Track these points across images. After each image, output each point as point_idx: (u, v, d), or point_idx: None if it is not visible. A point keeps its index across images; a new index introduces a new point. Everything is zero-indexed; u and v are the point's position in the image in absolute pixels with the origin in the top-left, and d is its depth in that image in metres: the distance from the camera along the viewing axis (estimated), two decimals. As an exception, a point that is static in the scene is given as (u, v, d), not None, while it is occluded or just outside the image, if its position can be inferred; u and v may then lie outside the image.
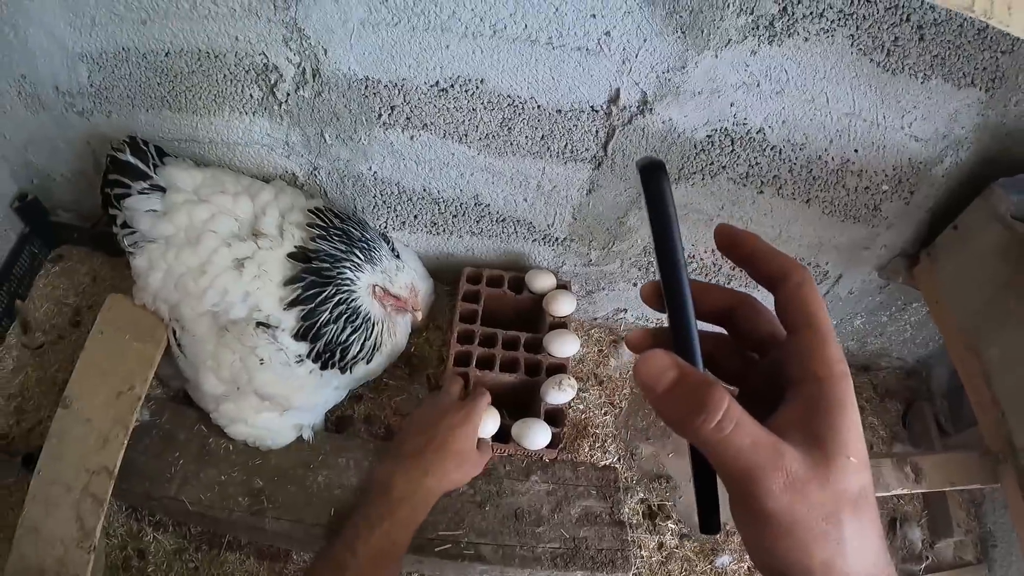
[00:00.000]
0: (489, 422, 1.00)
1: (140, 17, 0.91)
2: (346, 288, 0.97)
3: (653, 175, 0.35)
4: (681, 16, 0.80)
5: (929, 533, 1.25)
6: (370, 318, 1.01)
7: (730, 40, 0.83)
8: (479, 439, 0.97)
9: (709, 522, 0.36)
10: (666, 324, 0.36)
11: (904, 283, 1.13)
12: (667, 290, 0.34)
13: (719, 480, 0.34)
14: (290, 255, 0.98)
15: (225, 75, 0.97)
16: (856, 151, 0.96)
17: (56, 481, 0.95)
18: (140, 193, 0.99)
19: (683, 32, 0.82)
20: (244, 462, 1.01)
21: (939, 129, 0.92)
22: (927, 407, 1.31)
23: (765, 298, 0.40)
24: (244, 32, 0.91)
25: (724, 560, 1.14)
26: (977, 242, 0.99)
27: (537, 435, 1.01)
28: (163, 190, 1.00)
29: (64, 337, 1.18)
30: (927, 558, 1.22)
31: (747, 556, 1.16)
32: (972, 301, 1.00)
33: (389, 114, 0.98)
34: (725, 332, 0.40)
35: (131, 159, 0.99)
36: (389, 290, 1.00)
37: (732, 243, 0.38)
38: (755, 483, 0.30)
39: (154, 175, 1.00)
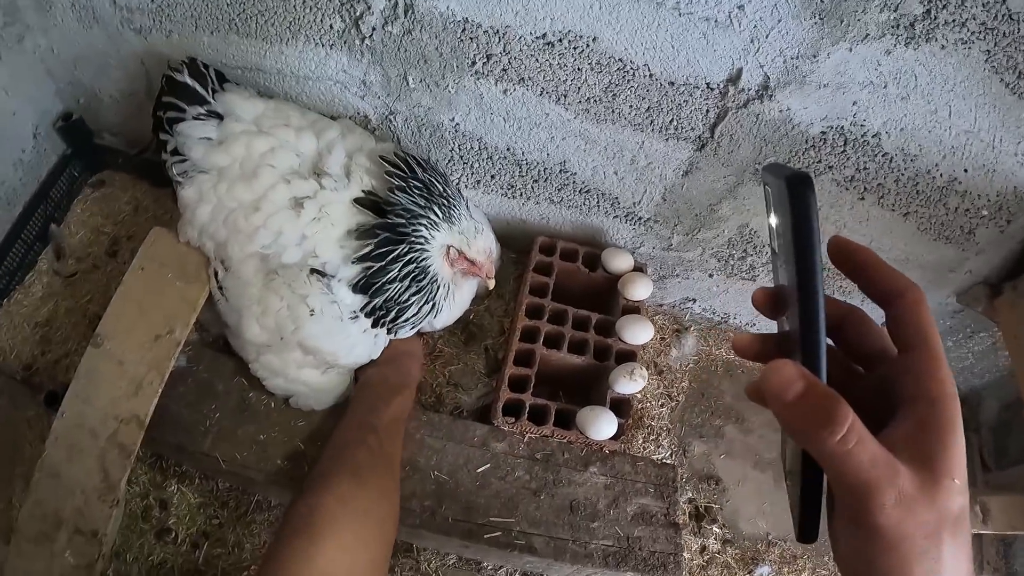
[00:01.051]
0: (605, 426, 0.94)
1: (221, -80, 0.77)
2: (419, 247, 0.83)
3: (801, 189, 0.33)
4: (823, 1, 0.69)
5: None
6: (436, 280, 0.87)
7: (868, 35, 0.71)
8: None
9: (809, 530, 0.34)
10: (772, 330, 0.37)
11: (983, 312, 1.02)
12: (803, 305, 0.32)
13: (827, 492, 0.33)
14: (356, 200, 0.83)
15: (305, 0, 0.82)
16: (966, 171, 0.86)
17: (81, 425, 0.81)
18: (195, 119, 0.84)
19: (821, 18, 0.71)
20: (286, 422, 0.88)
21: None
22: (973, 438, 1.21)
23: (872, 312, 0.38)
24: None
25: (763, 571, 1.04)
26: (1068, 279, 0.89)
27: (603, 425, 0.89)
28: (220, 117, 0.85)
29: (99, 267, 1.03)
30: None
31: (784, 569, 1.06)
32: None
33: (484, 63, 0.84)
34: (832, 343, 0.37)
35: (189, 81, 0.84)
36: (465, 253, 0.86)
37: (847, 255, 0.36)
38: (870, 498, 0.30)
39: (212, 101, 0.85)
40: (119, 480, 0.79)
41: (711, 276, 1.08)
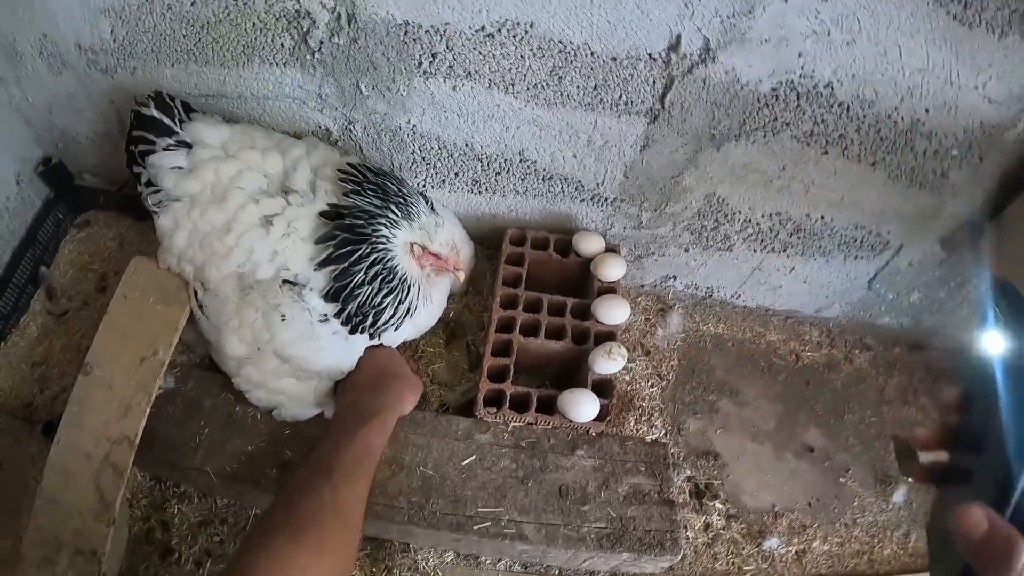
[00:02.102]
0: (588, 407, 0.93)
1: (164, -37, 0.81)
2: (382, 247, 0.86)
3: None
4: (746, -46, 0.70)
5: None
6: (407, 279, 0.89)
7: (802, -18, 0.71)
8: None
9: None
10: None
11: (969, 256, 1.00)
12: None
13: None
14: (322, 213, 0.86)
15: (254, 23, 0.86)
16: (927, 111, 0.84)
17: (75, 450, 0.84)
18: (165, 150, 0.88)
19: (749, -28, 0.71)
20: (272, 431, 0.90)
21: (1013, 91, 0.80)
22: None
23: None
24: None
25: (772, 543, 1.02)
26: (1052, 211, 0.86)
27: (585, 406, 0.89)
28: (189, 146, 0.89)
29: (89, 303, 1.07)
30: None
31: (794, 540, 1.03)
32: (1045, 275, 0.87)
33: (430, 62, 0.86)
34: None
35: (156, 114, 0.88)
36: (428, 248, 0.88)
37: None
38: None
39: (180, 131, 0.89)
40: (114, 499, 0.81)
41: (687, 250, 1.08)
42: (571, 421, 0.91)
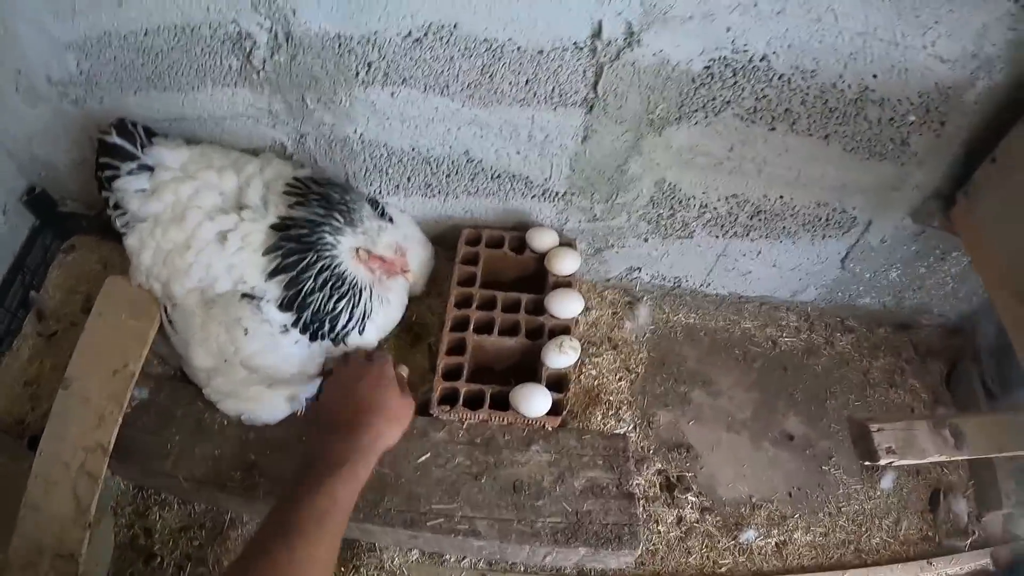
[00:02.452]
0: (539, 401, 0.91)
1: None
2: (327, 253, 0.90)
3: None
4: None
5: (976, 505, 1.07)
6: (356, 283, 0.93)
7: (713, -46, 0.72)
8: (400, 382, 0.87)
9: None
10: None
11: (940, 228, 0.97)
12: None
13: None
14: (273, 226, 0.92)
15: (203, 48, 0.92)
16: (875, 76, 0.83)
17: (56, 460, 0.91)
18: (129, 174, 0.95)
19: (662, -50, 0.72)
20: (237, 436, 0.94)
21: (967, 48, 0.78)
22: (972, 367, 1.13)
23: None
24: (214, 1, 0.85)
25: (749, 535, 1.00)
26: (1020, 174, 0.83)
27: (536, 401, 0.90)
28: (151, 169, 0.96)
29: (76, 324, 1.14)
30: (974, 532, 1.05)
31: (774, 531, 1.01)
32: (1017, 240, 0.84)
33: (366, 71, 0.90)
34: None
35: (118, 141, 0.95)
36: (372, 251, 0.91)
37: None
38: None
39: (142, 155, 0.96)
40: (89, 504, 0.88)
41: (646, 240, 1.08)
42: (525, 416, 0.92)
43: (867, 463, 0.78)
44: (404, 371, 0.93)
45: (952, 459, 0.82)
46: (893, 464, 0.77)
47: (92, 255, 1.21)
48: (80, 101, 1.03)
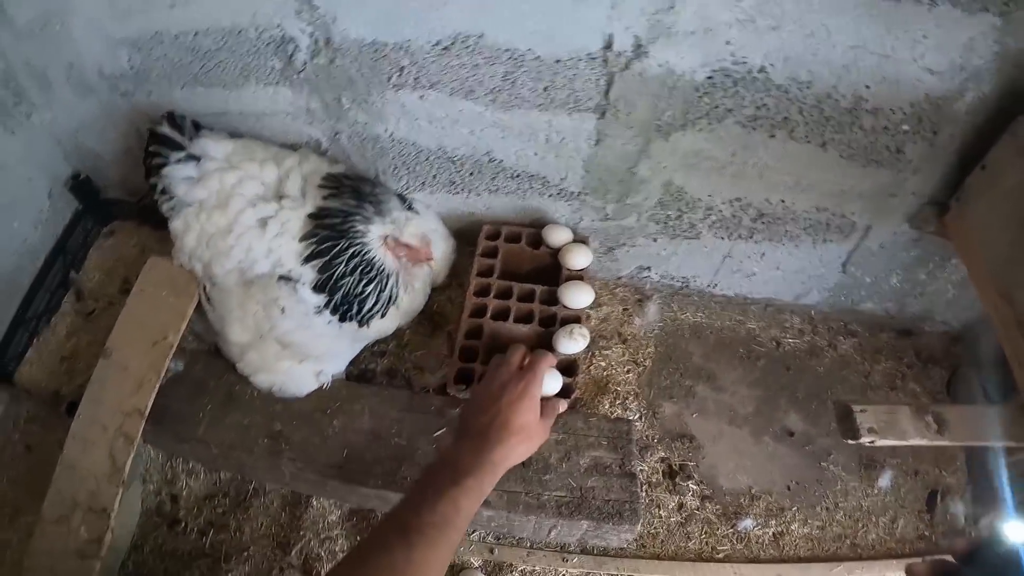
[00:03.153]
0: (550, 382, 0.99)
1: (169, 2, 1.03)
2: (359, 240, 1.04)
3: None
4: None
5: (973, 507, 1.18)
6: (384, 269, 1.07)
7: (714, -25, 0.84)
8: (544, 402, 0.91)
9: None
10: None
11: (935, 233, 1.09)
12: None
13: None
14: (310, 214, 1.06)
15: (248, 49, 1.07)
16: (868, 87, 0.93)
17: (94, 422, 1.06)
18: (177, 162, 1.10)
19: (663, -29, 0.85)
20: (265, 407, 1.09)
21: (955, 60, 0.88)
22: (973, 374, 1.25)
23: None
24: (261, 7, 1.00)
25: (747, 524, 1.12)
26: (1006, 180, 0.95)
27: (547, 381, 1.03)
28: (198, 159, 1.11)
29: (114, 303, 1.30)
30: (970, 534, 1.15)
31: (771, 522, 1.13)
32: (1002, 243, 0.96)
33: (398, 75, 1.05)
34: None
35: (168, 132, 1.11)
36: (400, 239, 1.06)
37: None
38: None
39: (189, 146, 1.12)
40: (124, 463, 1.02)
41: (655, 240, 1.22)
42: (535, 397, 1.05)
43: (849, 441, 0.90)
44: (562, 406, 0.99)
45: (933, 444, 0.92)
46: (875, 443, 0.89)
47: (131, 239, 1.37)
48: (129, 94, 1.19)
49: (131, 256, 1.35)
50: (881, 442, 0.91)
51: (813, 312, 1.33)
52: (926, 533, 1.16)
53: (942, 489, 1.19)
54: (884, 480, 1.19)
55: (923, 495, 1.19)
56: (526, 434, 0.85)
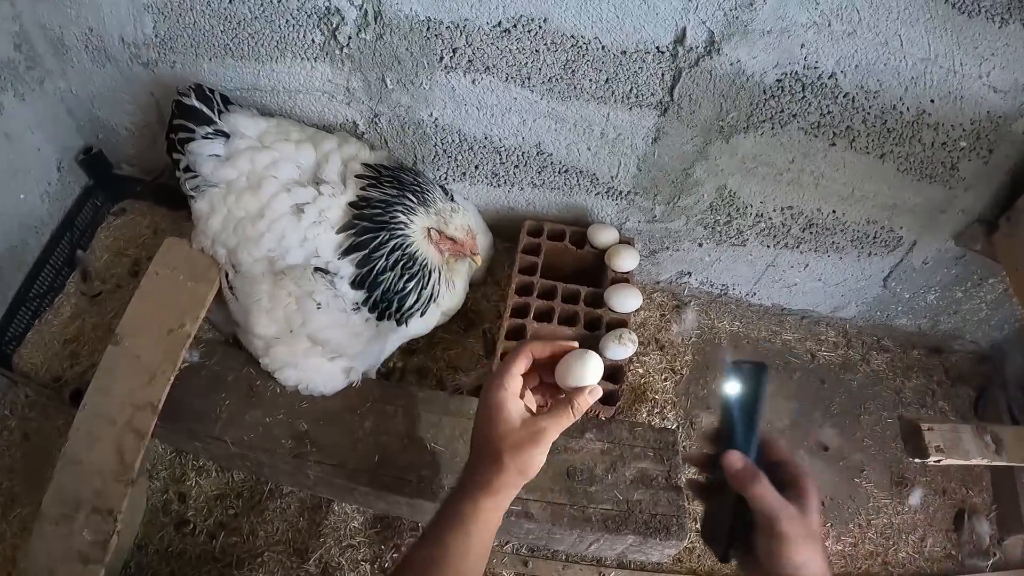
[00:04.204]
0: (586, 370, 0.68)
1: (203, -36, 0.91)
2: (400, 232, 0.93)
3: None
4: (746, -49, 0.76)
5: (998, 528, 1.13)
6: (427, 264, 0.96)
7: (799, -26, 0.77)
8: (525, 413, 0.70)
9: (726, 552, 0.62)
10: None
11: (981, 252, 1.04)
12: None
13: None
14: (351, 203, 0.94)
15: (287, 19, 0.95)
16: (932, 101, 0.89)
17: (101, 415, 0.92)
18: (204, 138, 0.97)
19: (750, -34, 0.78)
20: (290, 404, 0.96)
21: (1019, 80, 0.84)
22: (1000, 395, 1.20)
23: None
24: None
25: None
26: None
27: (583, 369, 0.92)
28: (227, 136, 0.98)
29: (122, 286, 1.17)
30: (995, 554, 1.10)
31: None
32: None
33: (451, 57, 0.94)
34: None
35: (197, 104, 0.98)
36: (444, 232, 0.95)
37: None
38: (776, 518, 0.57)
39: (218, 121, 0.99)
40: (133, 461, 0.88)
41: (701, 245, 1.14)
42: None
43: (916, 459, 0.83)
44: (591, 395, 0.68)
45: (992, 464, 0.87)
46: (941, 463, 0.83)
47: (143, 219, 1.23)
48: (151, 64, 1.06)
49: (143, 237, 1.21)
50: (947, 461, 0.84)
51: (848, 326, 1.26)
52: (953, 552, 1.10)
53: (968, 509, 1.14)
54: (914, 498, 1.12)
55: (951, 514, 1.13)
56: (517, 468, 0.68)
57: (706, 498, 0.67)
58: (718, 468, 0.62)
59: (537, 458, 0.67)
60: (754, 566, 0.59)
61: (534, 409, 0.71)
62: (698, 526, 1.03)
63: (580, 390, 0.68)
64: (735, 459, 0.61)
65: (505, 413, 0.67)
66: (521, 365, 0.69)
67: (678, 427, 1.09)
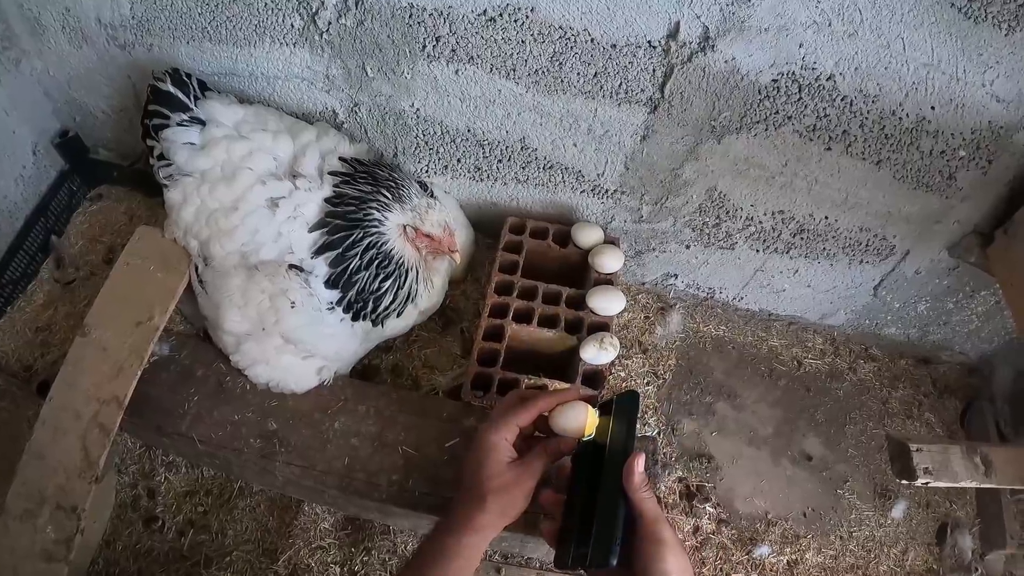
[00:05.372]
0: (571, 418, 0.71)
1: (181, -57, 0.84)
2: (374, 230, 0.87)
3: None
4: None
5: (980, 543, 1.07)
6: (403, 263, 0.90)
7: (799, -30, 0.71)
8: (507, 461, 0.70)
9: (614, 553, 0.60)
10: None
11: (975, 264, 0.97)
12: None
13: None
14: (327, 199, 0.88)
15: (266, 3, 0.89)
16: (933, 108, 0.82)
17: (67, 408, 0.86)
18: (179, 125, 0.90)
19: (746, -42, 0.71)
20: (260, 402, 0.90)
21: (1023, 90, 0.78)
22: (987, 408, 1.14)
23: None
24: None
25: (763, 551, 0.99)
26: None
27: (568, 416, 0.75)
28: (203, 123, 0.91)
29: (96, 274, 1.10)
30: (976, 569, 1.05)
31: (786, 549, 1.00)
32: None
33: (434, 45, 0.87)
34: None
35: (172, 89, 0.90)
36: (421, 229, 0.89)
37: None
38: (660, 523, 0.61)
39: (194, 107, 0.92)
40: (98, 458, 0.83)
41: (688, 247, 1.07)
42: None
43: (904, 481, 0.77)
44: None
45: (980, 486, 0.81)
46: (929, 484, 0.77)
47: (119, 206, 1.16)
48: (128, 46, 0.99)
49: (118, 223, 1.15)
50: (935, 484, 0.78)
51: (836, 333, 1.20)
52: (935, 566, 1.05)
53: (952, 522, 1.08)
54: (897, 511, 1.07)
55: (934, 527, 1.08)
56: (501, 510, 0.69)
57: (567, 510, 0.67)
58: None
59: (520, 501, 0.69)
60: (625, 570, 0.60)
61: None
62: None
63: (564, 440, 0.72)
64: (640, 461, 0.64)
65: (496, 455, 0.69)
66: (524, 419, 0.71)
67: (659, 433, 1.03)
